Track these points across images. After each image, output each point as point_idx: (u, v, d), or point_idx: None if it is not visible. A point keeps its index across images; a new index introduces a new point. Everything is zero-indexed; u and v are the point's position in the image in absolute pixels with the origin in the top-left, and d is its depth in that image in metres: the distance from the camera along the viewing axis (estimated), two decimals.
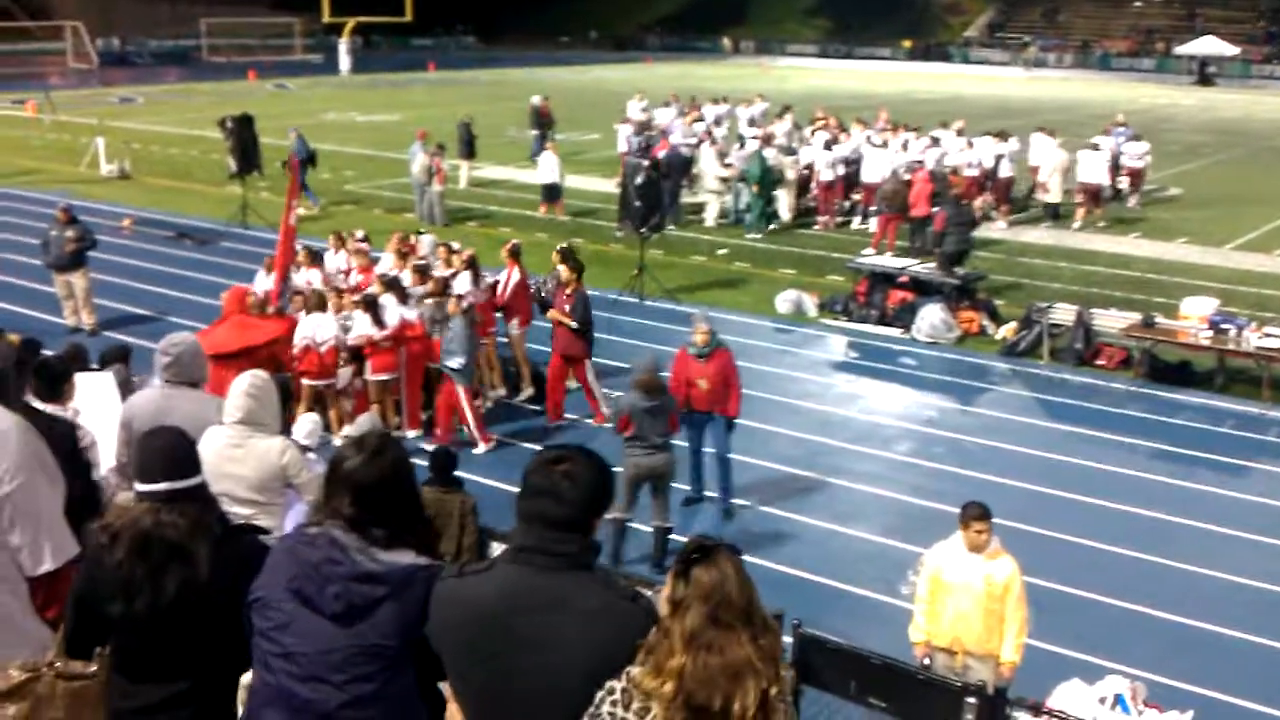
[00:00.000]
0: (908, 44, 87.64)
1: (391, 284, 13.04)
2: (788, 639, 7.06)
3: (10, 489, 4.21)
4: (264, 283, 13.80)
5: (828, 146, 24.90)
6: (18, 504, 4.26)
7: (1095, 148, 25.32)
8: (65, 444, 5.76)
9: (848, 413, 14.08)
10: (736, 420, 11.20)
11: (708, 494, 11.39)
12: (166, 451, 3.92)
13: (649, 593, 3.58)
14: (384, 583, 3.48)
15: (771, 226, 23.83)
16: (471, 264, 14.20)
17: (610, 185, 26.59)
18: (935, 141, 25.47)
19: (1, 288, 18.54)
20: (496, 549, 7.56)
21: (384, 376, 12.68)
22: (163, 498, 3.83)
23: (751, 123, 30.13)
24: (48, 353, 8.89)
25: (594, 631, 3.17)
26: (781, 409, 12.18)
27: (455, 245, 15.41)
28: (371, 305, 12.59)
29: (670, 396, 10.34)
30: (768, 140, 25.47)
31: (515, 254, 14.61)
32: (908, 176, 22.26)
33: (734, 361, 11.12)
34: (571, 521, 3.25)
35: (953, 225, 18.29)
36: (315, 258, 14.57)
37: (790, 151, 24.99)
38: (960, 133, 26.40)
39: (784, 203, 24.53)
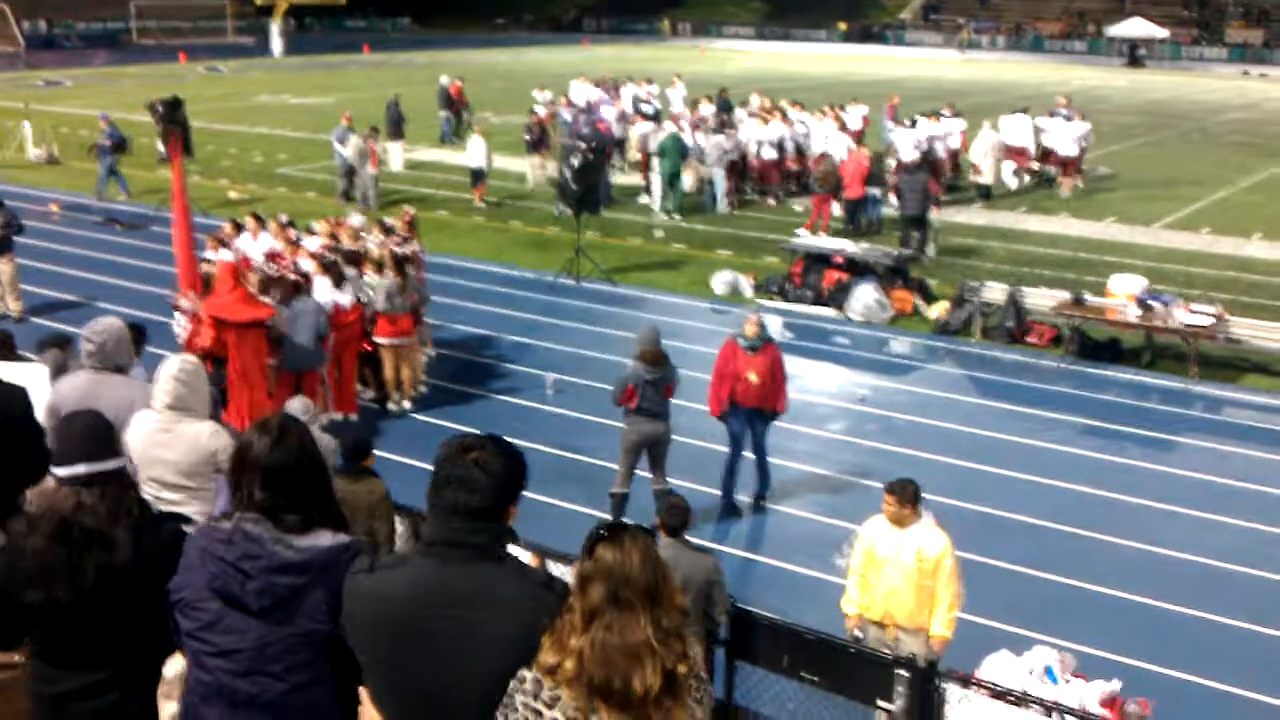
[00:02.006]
0: (843, 26, 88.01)
1: (328, 267, 12.91)
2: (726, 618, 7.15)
3: None
4: (262, 243, 13.69)
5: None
6: None
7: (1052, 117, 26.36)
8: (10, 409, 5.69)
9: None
10: (777, 416, 11.14)
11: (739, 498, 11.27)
12: (84, 434, 3.88)
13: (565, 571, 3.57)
14: (305, 570, 3.46)
15: (677, 205, 23.72)
16: (411, 224, 15.12)
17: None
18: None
19: None
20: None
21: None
22: (82, 481, 3.80)
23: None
24: None
25: (509, 623, 3.15)
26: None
27: (388, 221, 15.33)
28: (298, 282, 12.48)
29: (673, 368, 10.39)
30: (696, 124, 25.62)
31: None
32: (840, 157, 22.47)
33: (782, 357, 11.05)
34: (486, 510, 3.21)
35: (908, 190, 19.82)
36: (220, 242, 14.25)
37: (717, 132, 25.06)
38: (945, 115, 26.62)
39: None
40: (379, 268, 13.35)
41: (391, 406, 13.31)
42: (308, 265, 12.92)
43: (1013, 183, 27.15)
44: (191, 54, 62.15)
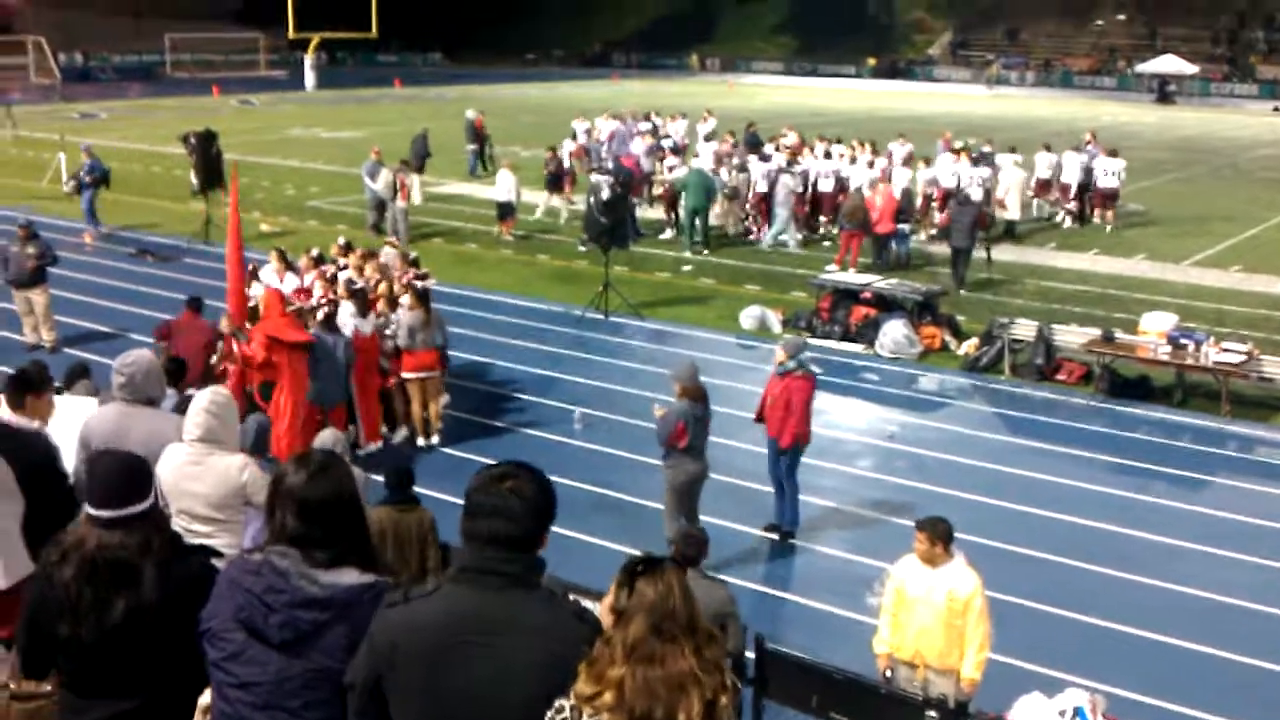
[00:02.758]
0: (872, 62, 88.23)
1: (355, 294, 13.04)
2: (751, 654, 7.11)
3: None
4: (289, 283, 13.73)
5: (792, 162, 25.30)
6: None
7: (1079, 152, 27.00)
8: (35, 455, 5.73)
9: (811, 428, 14.11)
10: (797, 451, 11.00)
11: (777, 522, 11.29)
12: (115, 477, 3.89)
13: (592, 605, 3.58)
14: (328, 607, 3.46)
15: (698, 243, 23.68)
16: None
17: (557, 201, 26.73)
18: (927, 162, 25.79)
19: None
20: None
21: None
22: (109, 524, 3.82)
23: (707, 138, 30.33)
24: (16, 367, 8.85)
25: (541, 651, 3.16)
26: (745, 424, 12.20)
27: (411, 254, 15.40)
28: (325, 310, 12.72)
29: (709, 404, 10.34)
30: (719, 158, 25.78)
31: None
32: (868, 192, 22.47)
33: (806, 392, 10.87)
34: (521, 539, 3.23)
35: (958, 221, 20.49)
36: (253, 274, 14.44)
37: (742, 169, 25.13)
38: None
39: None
40: (393, 303, 13.39)
41: (420, 442, 13.32)
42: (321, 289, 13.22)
43: (1064, 220, 27.42)
44: (225, 87, 62.72)
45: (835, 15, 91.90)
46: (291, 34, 64.04)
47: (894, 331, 16.98)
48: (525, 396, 14.99)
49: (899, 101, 63.38)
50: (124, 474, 3.91)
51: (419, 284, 13.74)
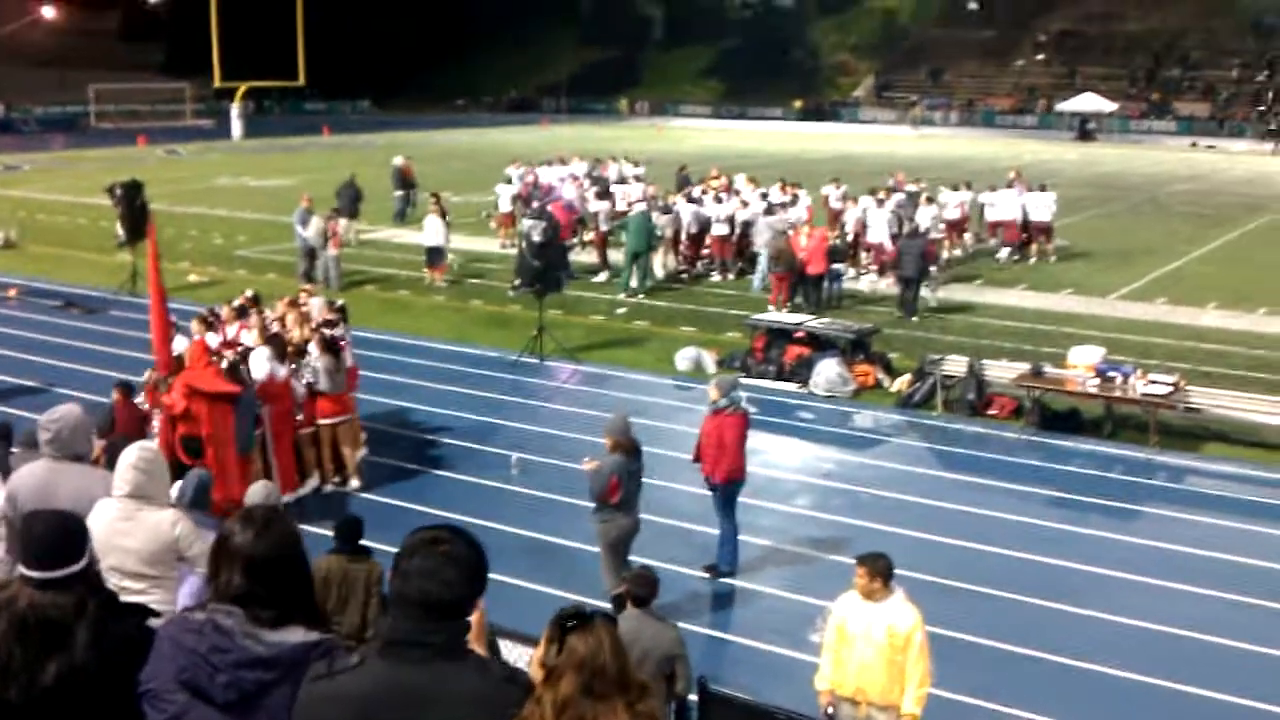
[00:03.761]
0: (798, 104, 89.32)
1: (271, 339, 12.93)
2: (693, 697, 7.08)
3: None
4: (212, 340, 13.51)
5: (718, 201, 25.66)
6: None
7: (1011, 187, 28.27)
8: None
9: (746, 465, 14.14)
10: (731, 488, 11.03)
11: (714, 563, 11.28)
12: (51, 536, 3.79)
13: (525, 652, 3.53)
14: (274, 666, 3.39)
15: (643, 286, 23.83)
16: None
17: (498, 245, 26.78)
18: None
19: None
20: None
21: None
22: (44, 584, 3.72)
23: (623, 181, 30.55)
24: None
25: None
26: (682, 466, 12.21)
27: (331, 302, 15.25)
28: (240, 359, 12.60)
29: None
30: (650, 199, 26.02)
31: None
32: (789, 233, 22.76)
33: (739, 429, 10.91)
34: (452, 604, 3.17)
35: (907, 253, 21.39)
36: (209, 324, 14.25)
37: (667, 210, 25.35)
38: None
39: (657, 262, 24.85)
40: (302, 351, 13.30)
41: (345, 487, 13.22)
42: (250, 339, 13.08)
43: (1003, 256, 28.11)
44: (151, 137, 62.13)
45: (761, 59, 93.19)
46: (217, 83, 63.55)
47: (827, 370, 17.09)
48: (460, 442, 14.90)
49: (826, 143, 64.17)
50: (60, 534, 3.81)
51: (326, 331, 13.61)
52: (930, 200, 26.48)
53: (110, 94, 79.23)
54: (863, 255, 25.49)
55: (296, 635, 3.45)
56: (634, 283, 23.68)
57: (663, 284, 24.50)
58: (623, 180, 30.69)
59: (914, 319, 21.37)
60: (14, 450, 9.34)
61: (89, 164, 49.64)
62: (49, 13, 78.57)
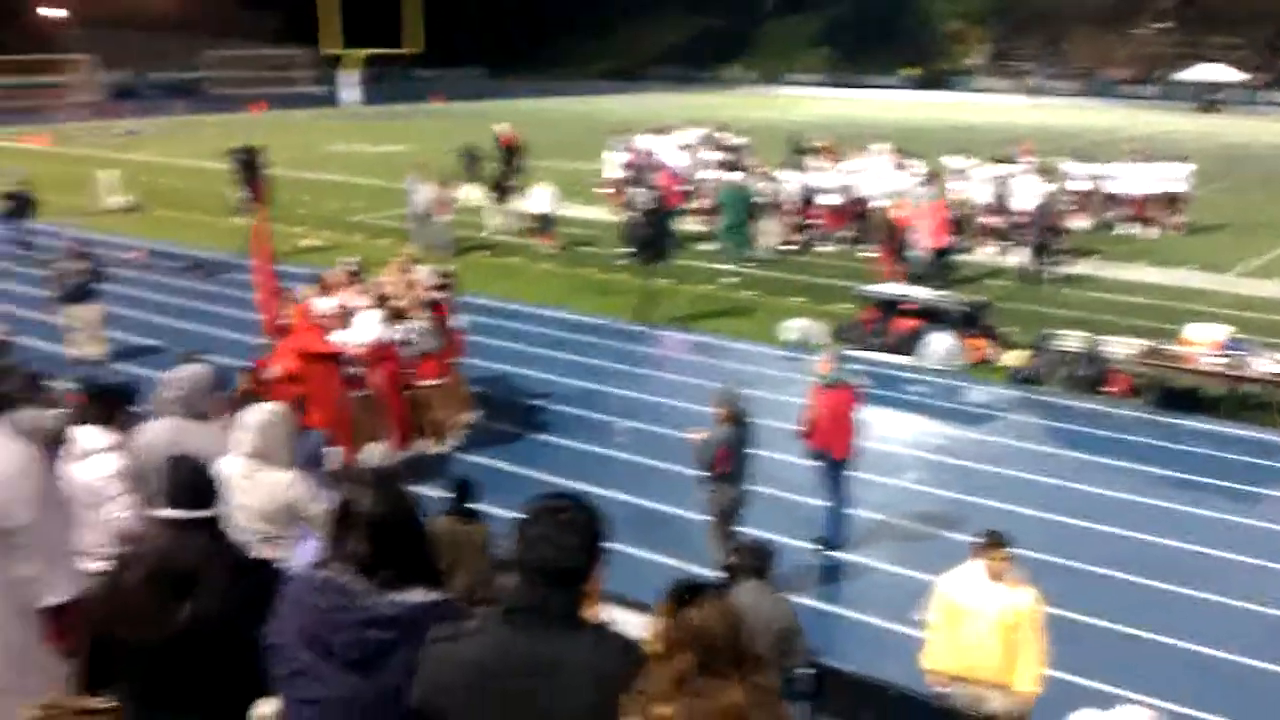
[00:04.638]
0: (910, 72, 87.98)
1: (380, 302, 13.16)
2: (804, 671, 7.04)
3: (25, 521, 4.20)
4: (324, 303, 13.74)
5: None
6: (29, 536, 4.25)
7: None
8: None
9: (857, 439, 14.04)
10: (843, 462, 10.99)
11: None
12: (188, 480, 3.92)
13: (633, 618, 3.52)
14: (394, 626, 3.45)
15: (740, 255, 23.70)
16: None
17: (609, 214, 26.87)
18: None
19: (10, 320, 18.54)
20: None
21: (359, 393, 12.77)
22: (179, 525, 3.83)
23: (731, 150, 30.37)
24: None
25: (587, 690, 3.11)
26: (788, 437, 12.15)
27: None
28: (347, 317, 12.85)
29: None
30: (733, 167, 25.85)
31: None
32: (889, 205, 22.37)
33: (854, 402, 10.90)
34: (571, 572, 3.19)
35: (1038, 221, 22.03)
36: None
37: (772, 179, 25.04)
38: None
39: (769, 232, 24.51)
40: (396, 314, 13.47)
41: (440, 448, 13.41)
42: (359, 303, 13.30)
43: (1133, 230, 27.39)
44: (267, 103, 63.28)
45: (873, 26, 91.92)
46: (333, 50, 64.56)
47: (939, 343, 16.85)
48: (568, 408, 14.98)
49: (939, 112, 63.13)
50: (196, 479, 3.93)
51: (430, 294, 13.80)
52: (1047, 172, 25.83)
53: (227, 60, 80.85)
54: (981, 226, 24.96)
55: (417, 596, 3.50)
56: (732, 254, 23.62)
57: (770, 255, 24.27)
58: (729, 149, 30.48)
59: (1040, 288, 21.26)
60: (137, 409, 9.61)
61: (207, 129, 50.75)
62: None
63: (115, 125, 51.86)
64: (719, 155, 28.89)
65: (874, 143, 29.55)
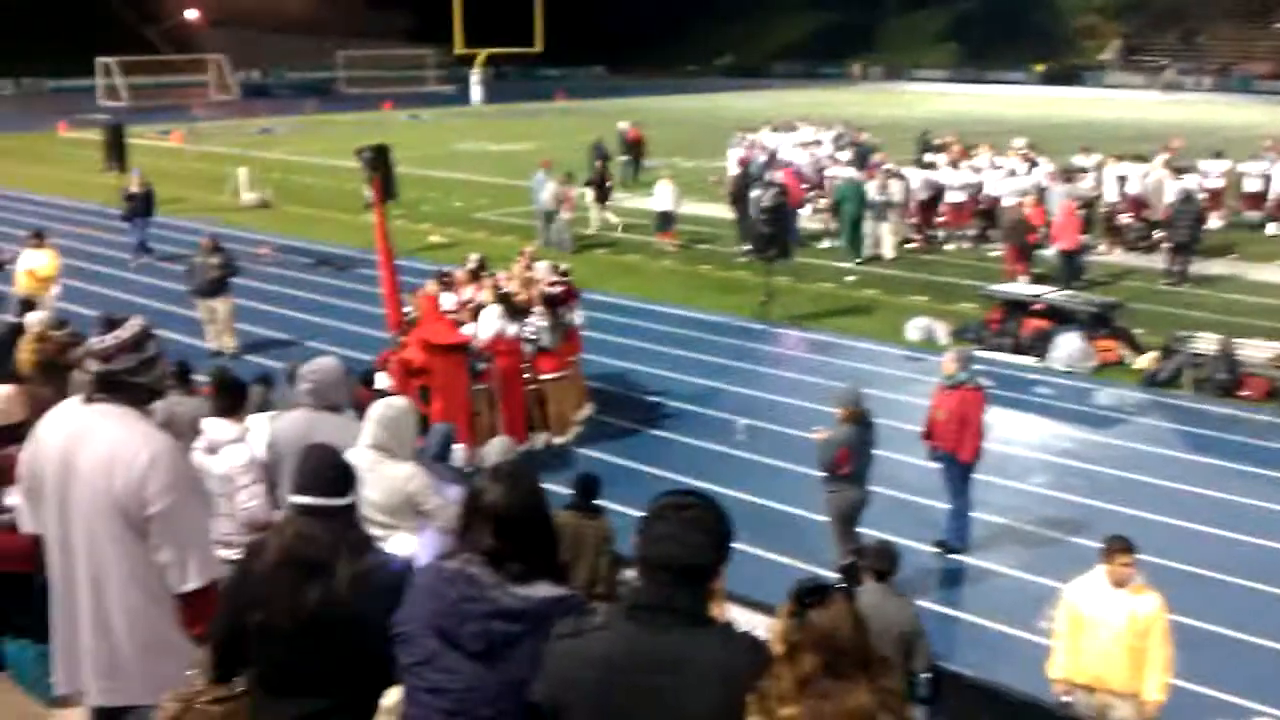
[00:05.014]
0: (1040, 68, 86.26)
1: (501, 297, 13.31)
2: (926, 675, 6.97)
3: (160, 508, 4.33)
4: (447, 299, 13.98)
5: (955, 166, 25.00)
6: (166, 522, 4.37)
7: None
8: None
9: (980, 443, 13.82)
10: (969, 465, 10.86)
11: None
12: (324, 468, 4.02)
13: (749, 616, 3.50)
14: (520, 619, 3.47)
15: (858, 252, 23.42)
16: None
17: (729, 211, 26.80)
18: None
19: (147, 311, 19.14)
20: (631, 577, 7.56)
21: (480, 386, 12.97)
22: (311, 511, 3.92)
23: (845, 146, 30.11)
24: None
25: (715, 689, 3.09)
26: (911, 438, 12.01)
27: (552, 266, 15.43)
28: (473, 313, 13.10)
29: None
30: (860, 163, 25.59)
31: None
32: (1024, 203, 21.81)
33: (980, 404, 10.77)
34: (698, 570, 3.18)
35: (1181, 218, 21.40)
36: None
37: (898, 176, 24.63)
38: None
39: (885, 236, 24.08)
40: (524, 311, 13.60)
41: (557, 442, 13.57)
42: (483, 298, 13.48)
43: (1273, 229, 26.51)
44: (395, 102, 64.45)
45: (1001, 21, 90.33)
46: (459, 50, 65.49)
47: (1068, 344, 16.50)
48: (686, 405, 15.00)
49: (1069, 108, 61.75)
50: (332, 467, 4.02)
51: (548, 290, 13.93)
52: (1180, 172, 24.99)
53: (358, 60, 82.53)
54: (1114, 225, 24.35)
55: (543, 590, 3.53)
56: (851, 252, 23.46)
57: (890, 253, 23.96)
58: (852, 146, 30.23)
59: (1183, 287, 20.93)
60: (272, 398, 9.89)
61: (337, 127, 51.84)
62: None
63: (249, 124, 53.25)
64: (843, 153, 28.68)
65: (1002, 139, 29.09)
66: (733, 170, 29.01)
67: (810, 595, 3.11)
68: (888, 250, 23.63)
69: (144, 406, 4.55)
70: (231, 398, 6.65)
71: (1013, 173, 24.83)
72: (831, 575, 9.24)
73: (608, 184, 27.27)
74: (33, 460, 4.59)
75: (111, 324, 4.56)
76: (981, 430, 10.74)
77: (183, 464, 4.54)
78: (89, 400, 4.54)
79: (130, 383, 4.48)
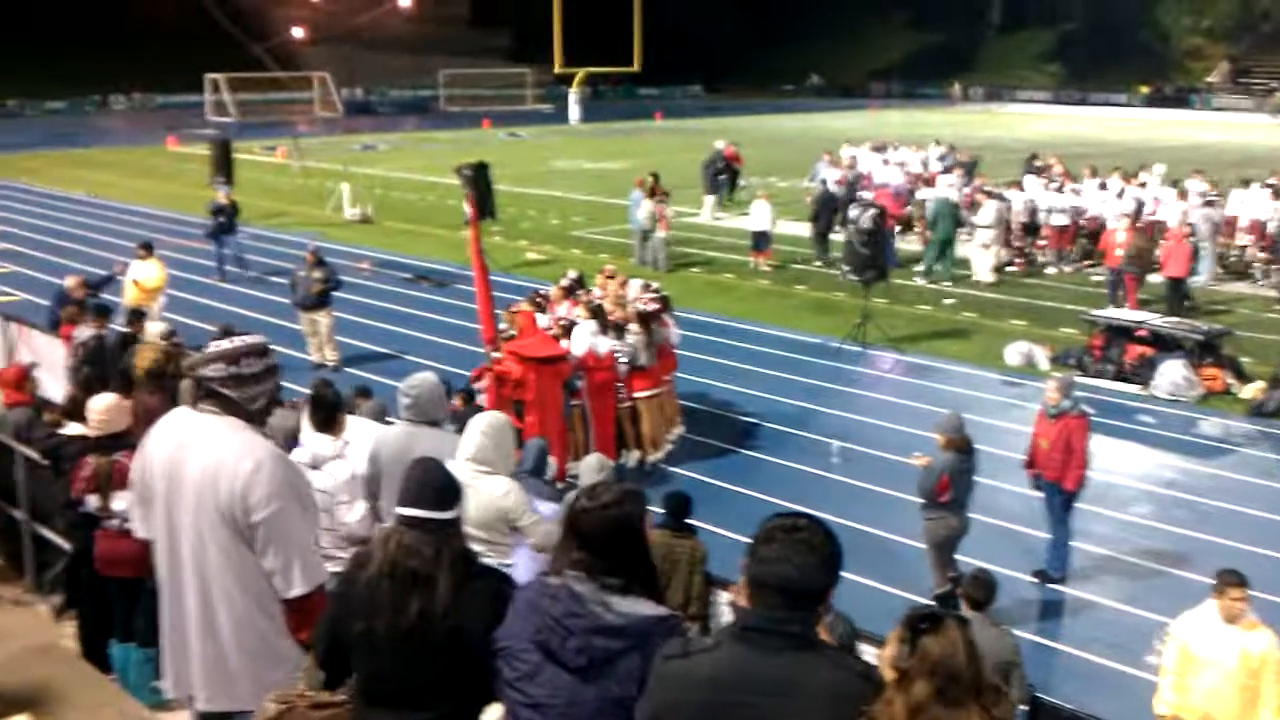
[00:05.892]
0: (1144, 89, 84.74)
1: (595, 313, 13.35)
2: (1022, 706, 6.84)
3: (264, 515, 4.40)
4: (542, 316, 14.07)
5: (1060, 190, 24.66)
6: (271, 530, 4.44)
7: None
8: None
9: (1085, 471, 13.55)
10: (1073, 494, 10.69)
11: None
12: (430, 481, 4.05)
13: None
14: (623, 635, 3.49)
15: (947, 273, 23.14)
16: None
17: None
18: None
19: (251, 324, 19.53)
20: (723, 598, 7.53)
21: (574, 403, 13.06)
22: (415, 524, 3.95)
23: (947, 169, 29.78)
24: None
25: (823, 713, 3.06)
26: (1009, 465, 11.81)
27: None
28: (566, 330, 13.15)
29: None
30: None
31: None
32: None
33: (1085, 430, 10.61)
34: (810, 593, 3.15)
35: None
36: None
37: (997, 197, 24.23)
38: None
39: (979, 258, 23.70)
40: (619, 328, 13.61)
41: (648, 460, 13.58)
42: (576, 314, 13.57)
43: None
44: (494, 120, 65.15)
45: (1105, 42, 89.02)
46: (558, 69, 66.08)
47: (1172, 372, 16.13)
48: (780, 427, 14.91)
49: (1173, 131, 60.53)
50: (438, 481, 4.05)
51: (642, 306, 13.94)
52: None
53: (458, 79, 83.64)
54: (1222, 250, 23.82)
55: (645, 608, 3.54)
56: (938, 268, 23.22)
57: (986, 277, 23.64)
58: (955, 168, 29.92)
59: None
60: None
61: (437, 145, 52.54)
62: (404, 1, 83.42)
63: (352, 140, 54.16)
64: (948, 175, 28.40)
65: (1102, 162, 28.60)
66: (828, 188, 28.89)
67: (924, 622, 3.08)
68: (984, 274, 23.29)
69: (250, 418, 4.63)
70: (328, 412, 6.73)
71: (1122, 195, 24.39)
72: (927, 602, 9.10)
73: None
74: (143, 467, 4.70)
75: (227, 334, 4.68)
76: (1086, 458, 10.55)
77: (287, 471, 4.60)
78: (196, 407, 4.64)
79: (221, 394, 4.57)
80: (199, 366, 4.61)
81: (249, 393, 4.61)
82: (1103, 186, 25.39)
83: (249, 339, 4.70)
